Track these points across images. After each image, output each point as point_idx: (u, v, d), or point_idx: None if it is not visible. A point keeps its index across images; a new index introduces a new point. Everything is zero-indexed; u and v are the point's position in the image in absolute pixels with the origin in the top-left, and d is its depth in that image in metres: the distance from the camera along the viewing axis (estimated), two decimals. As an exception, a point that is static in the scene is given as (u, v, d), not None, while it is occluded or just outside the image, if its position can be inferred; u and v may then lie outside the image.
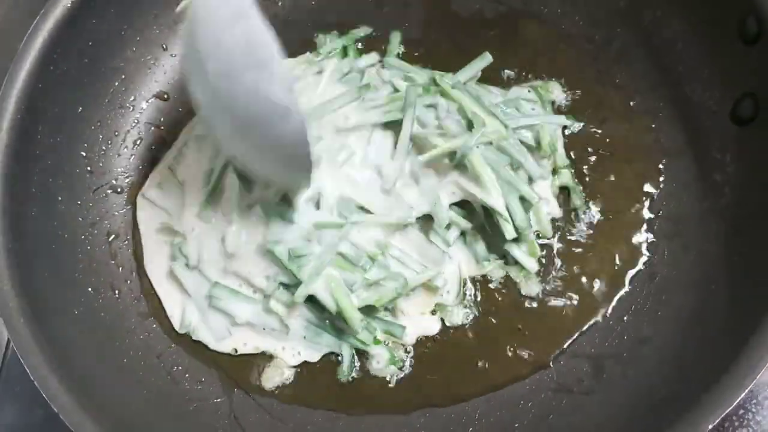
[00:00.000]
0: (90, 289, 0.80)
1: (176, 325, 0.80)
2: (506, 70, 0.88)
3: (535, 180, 0.81)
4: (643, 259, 0.79)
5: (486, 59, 0.87)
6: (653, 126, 0.84)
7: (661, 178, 0.82)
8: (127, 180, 0.88)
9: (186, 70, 0.69)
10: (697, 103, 0.82)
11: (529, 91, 0.87)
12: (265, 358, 0.79)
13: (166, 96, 0.92)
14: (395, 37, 0.91)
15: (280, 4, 0.95)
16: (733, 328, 0.66)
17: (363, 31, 0.92)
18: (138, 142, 0.90)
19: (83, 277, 0.80)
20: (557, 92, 0.87)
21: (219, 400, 0.77)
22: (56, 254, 0.79)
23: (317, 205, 0.77)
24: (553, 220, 0.81)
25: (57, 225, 0.80)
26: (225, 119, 0.69)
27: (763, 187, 0.73)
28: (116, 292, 0.82)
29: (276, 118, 0.65)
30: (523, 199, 0.78)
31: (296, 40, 0.91)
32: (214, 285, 0.78)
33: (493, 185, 0.75)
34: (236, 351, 0.78)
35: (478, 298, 0.79)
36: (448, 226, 0.78)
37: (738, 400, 0.59)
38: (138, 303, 0.82)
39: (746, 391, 0.59)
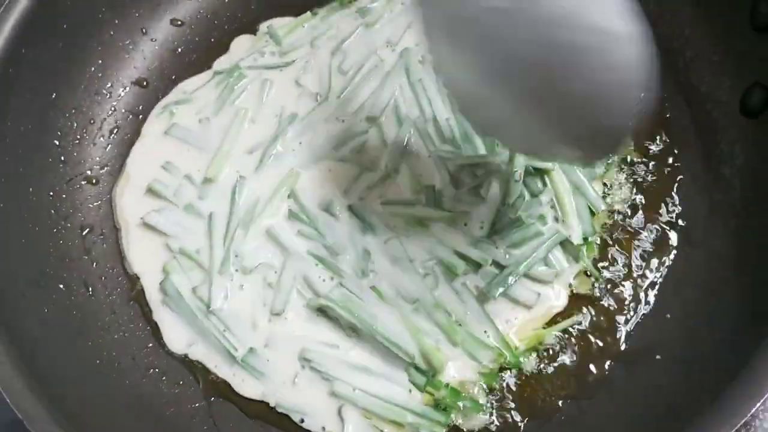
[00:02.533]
0: (61, 286, 0.76)
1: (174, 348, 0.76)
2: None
3: None
4: (651, 256, 0.76)
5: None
6: (660, 116, 0.81)
7: (668, 170, 0.79)
8: (102, 171, 0.84)
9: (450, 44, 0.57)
10: (705, 93, 0.80)
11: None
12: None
13: (145, 83, 0.88)
14: None
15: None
16: (743, 331, 0.63)
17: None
18: (115, 131, 0.86)
19: (54, 273, 0.76)
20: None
21: (197, 404, 0.73)
22: (26, 249, 0.75)
23: None
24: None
25: (27, 218, 0.77)
26: (518, 84, 0.55)
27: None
28: (90, 289, 0.78)
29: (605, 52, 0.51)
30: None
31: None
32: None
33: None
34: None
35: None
36: None
37: (752, 412, 0.55)
38: (112, 300, 0.78)
39: (762, 401, 0.55)
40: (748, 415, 0.54)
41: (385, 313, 0.73)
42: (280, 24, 0.91)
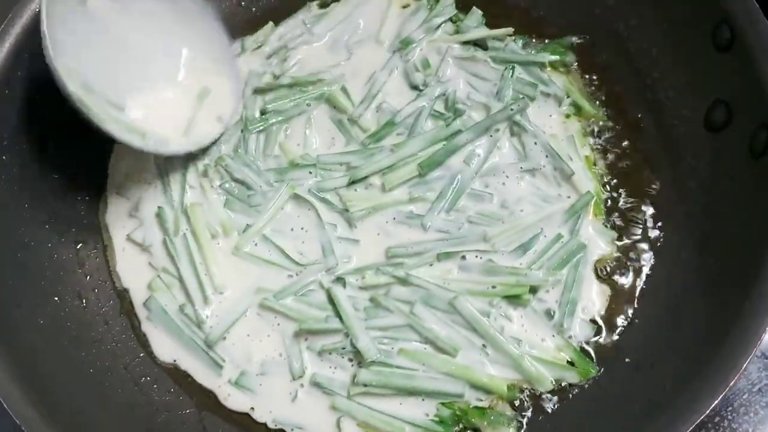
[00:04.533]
0: (56, 298, 0.78)
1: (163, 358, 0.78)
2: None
3: None
4: (621, 266, 0.79)
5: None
6: (630, 131, 0.85)
7: (637, 185, 0.82)
8: (96, 185, 0.86)
9: None
10: (672, 109, 0.83)
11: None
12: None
13: (137, 100, 0.90)
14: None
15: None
16: (707, 335, 0.66)
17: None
18: (110, 147, 0.88)
19: (49, 285, 0.78)
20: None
21: (188, 411, 0.75)
22: (22, 262, 0.77)
23: None
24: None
25: (23, 232, 0.78)
26: None
27: (735, 195, 0.74)
28: (83, 300, 0.80)
29: None
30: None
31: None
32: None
33: None
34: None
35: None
36: None
37: (712, 407, 0.59)
38: (105, 312, 0.80)
39: (720, 398, 0.58)
40: (707, 411, 0.58)
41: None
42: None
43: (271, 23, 0.93)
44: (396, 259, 0.78)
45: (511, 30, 0.90)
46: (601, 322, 0.76)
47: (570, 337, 0.75)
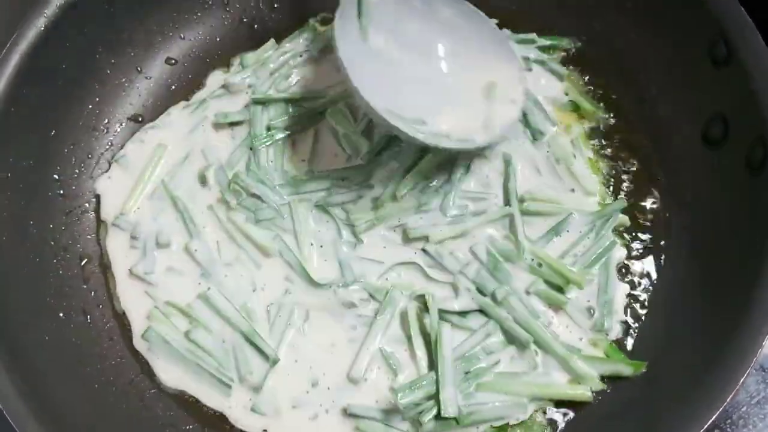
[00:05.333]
0: (61, 314, 0.78)
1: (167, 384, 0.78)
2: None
3: None
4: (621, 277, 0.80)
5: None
6: (628, 145, 0.86)
7: (633, 199, 0.83)
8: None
9: None
10: (669, 124, 0.84)
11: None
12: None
13: (140, 118, 0.91)
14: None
15: None
16: (705, 349, 0.67)
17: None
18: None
19: (54, 301, 0.79)
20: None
21: (192, 426, 0.76)
22: (27, 279, 0.77)
23: None
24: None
25: (28, 248, 0.79)
26: None
27: (733, 209, 0.74)
28: (88, 317, 0.80)
29: None
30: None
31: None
32: None
33: None
34: None
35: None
36: None
37: (711, 421, 0.59)
38: (110, 328, 0.80)
39: (718, 412, 0.59)
40: (706, 425, 0.58)
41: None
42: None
43: (272, 40, 0.94)
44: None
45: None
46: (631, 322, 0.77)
47: (607, 335, 0.76)
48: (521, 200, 0.81)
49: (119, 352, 0.79)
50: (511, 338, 0.75)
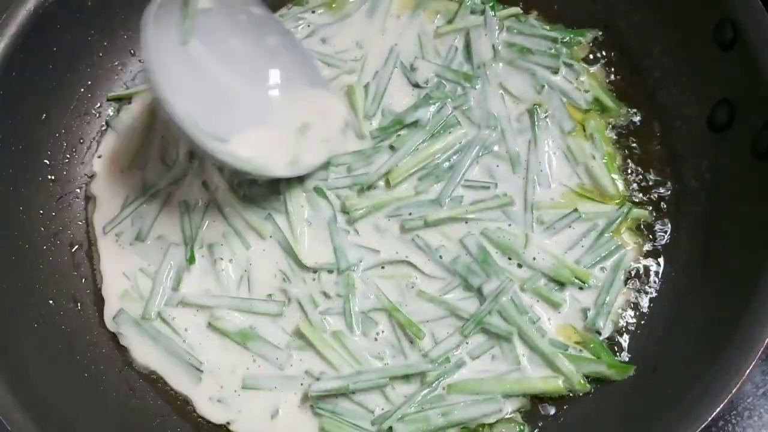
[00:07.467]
0: (51, 301, 0.77)
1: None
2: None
3: None
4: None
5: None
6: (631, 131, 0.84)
7: (640, 185, 0.81)
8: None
9: None
10: (674, 109, 0.82)
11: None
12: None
13: (132, 102, 0.89)
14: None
15: None
16: (710, 341, 0.65)
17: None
18: (104, 150, 0.87)
19: (44, 288, 0.77)
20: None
21: (183, 415, 0.75)
22: (16, 265, 0.76)
23: None
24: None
25: (18, 235, 0.78)
26: None
27: (738, 195, 0.73)
28: (78, 304, 0.79)
29: None
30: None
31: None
32: None
33: None
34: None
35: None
36: None
37: (715, 413, 0.58)
38: (100, 316, 0.79)
39: (722, 404, 0.57)
40: (710, 418, 0.57)
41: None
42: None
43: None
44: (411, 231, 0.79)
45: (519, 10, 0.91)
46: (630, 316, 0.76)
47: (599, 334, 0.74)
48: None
49: (109, 341, 0.78)
50: (494, 336, 0.74)
